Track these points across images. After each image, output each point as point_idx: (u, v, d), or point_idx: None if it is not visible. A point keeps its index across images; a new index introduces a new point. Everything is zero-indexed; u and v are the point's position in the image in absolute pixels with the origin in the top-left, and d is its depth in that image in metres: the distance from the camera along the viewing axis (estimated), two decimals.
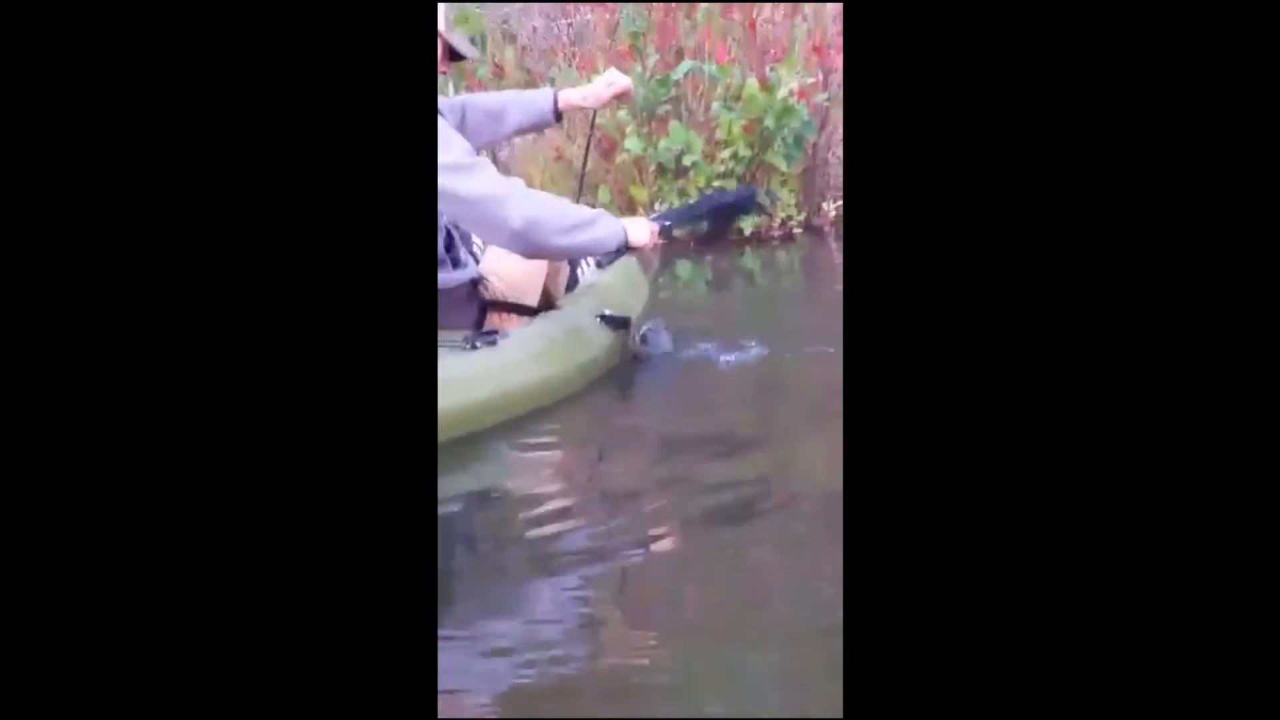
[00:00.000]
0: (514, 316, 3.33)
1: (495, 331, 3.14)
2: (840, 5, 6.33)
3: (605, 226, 3.12)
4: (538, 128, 3.80)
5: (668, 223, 3.39)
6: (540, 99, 3.64)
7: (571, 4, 6.95)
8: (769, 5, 6.36)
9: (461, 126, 3.44)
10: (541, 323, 3.25)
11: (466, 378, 2.89)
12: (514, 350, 3.07)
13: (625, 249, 3.19)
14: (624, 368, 3.42)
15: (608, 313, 3.43)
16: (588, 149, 4.16)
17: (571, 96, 3.64)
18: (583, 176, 4.22)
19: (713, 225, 3.73)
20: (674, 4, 6.24)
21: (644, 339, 3.50)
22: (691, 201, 3.45)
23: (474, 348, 3.00)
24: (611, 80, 3.63)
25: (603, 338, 3.35)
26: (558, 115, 3.64)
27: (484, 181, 2.93)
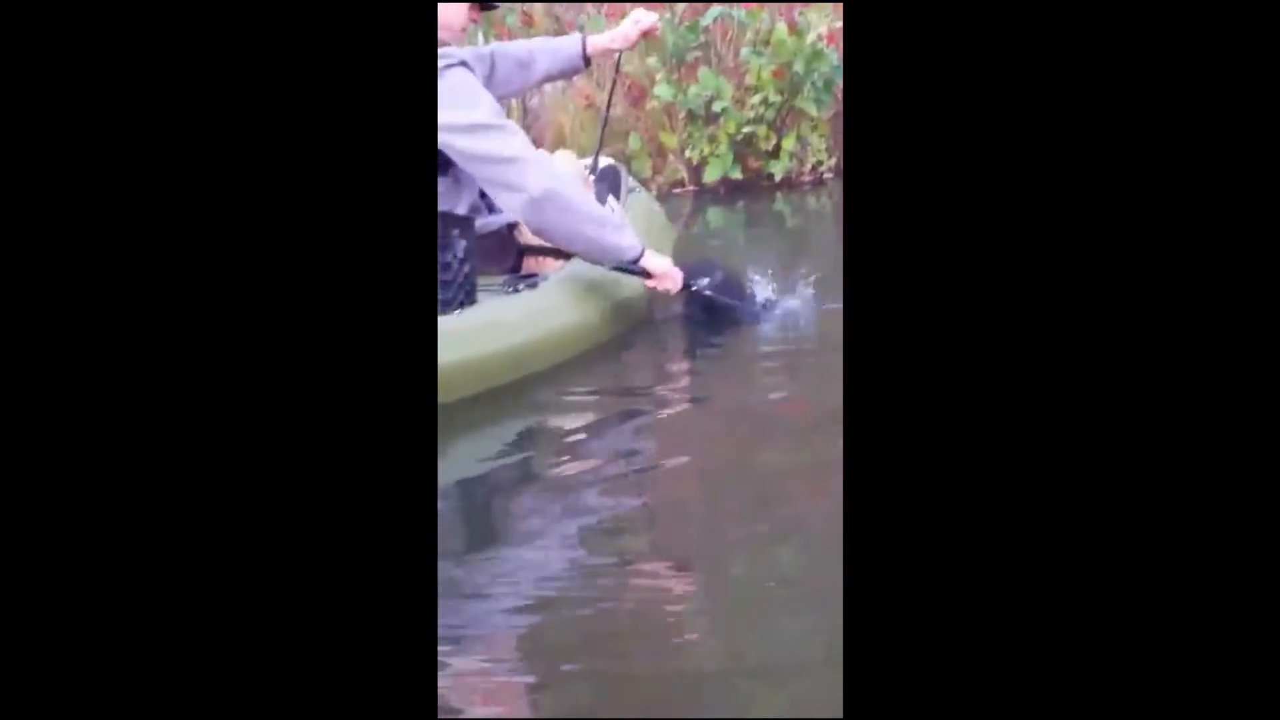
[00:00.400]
0: (549, 260, 3.36)
1: (535, 275, 3.18)
2: None
3: (624, 234, 3.13)
4: (567, 74, 3.81)
5: (694, 285, 3.30)
6: (568, 45, 3.64)
7: None
8: None
9: (490, 76, 3.46)
10: (578, 263, 3.26)
11: (510, 321, 2.94)
12: (554, 293, 3.11)
13: (637, 268, 3.15)
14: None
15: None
16: (611, 93, 4.14)
17: (599, 40, 3.65)
18: (605, 121, 4.20)
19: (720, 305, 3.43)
20: None
21: (720, 287, 3.36)
22: (725, 290, 3.33)
23: (516, 290, 3.06)
24: (638, 19, 3.63)
25: (635, 278, 3.36)
26: (586, 61, 3.65)
27: (511, 145, 2.95)
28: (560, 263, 3.33)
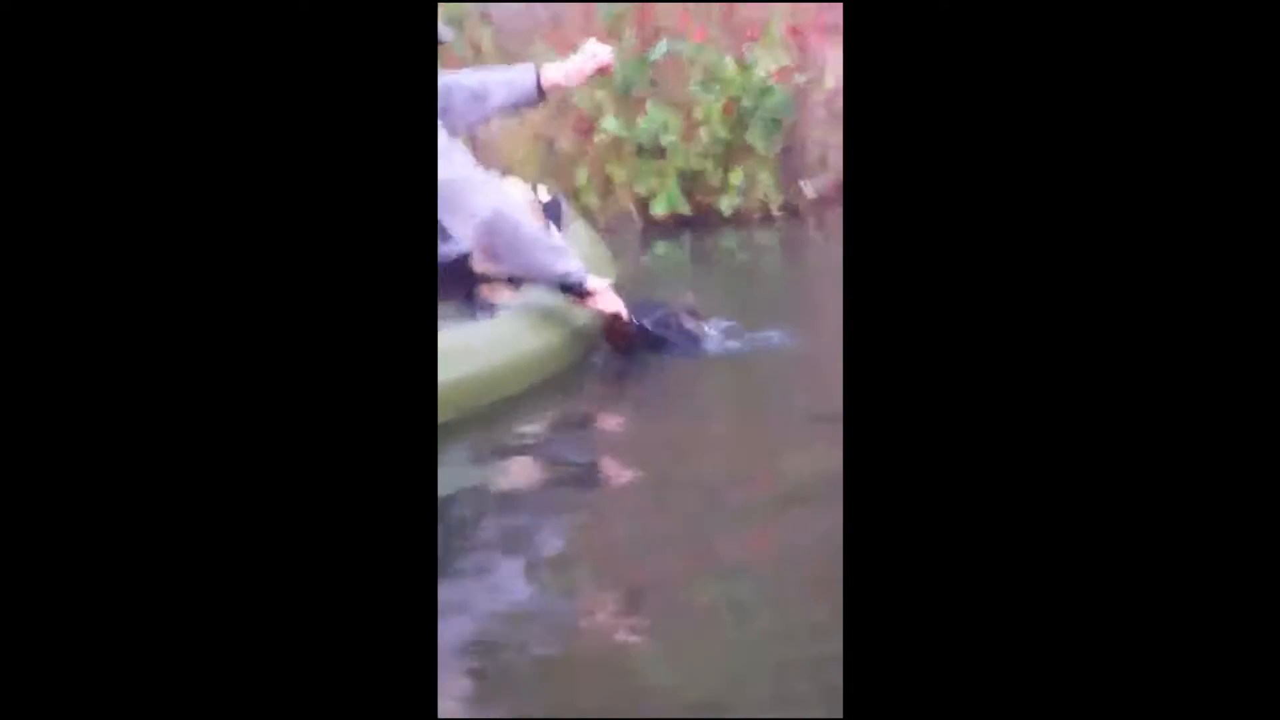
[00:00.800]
0: (501, 288, 3.36)
1: (492, 302, 3.22)
2: None
3: (572, 260, 3.17)
4: (520, 106, 3.79)
5: (639, 323, 3.31)
6: (522, 77, 3.61)
7: None
8: None
9: (447, 108, 3.44)
10: (531, 291, 3.29)
11: (477, 346, 2.99)
12: (515, 319, 3.17)
13: (582, 291, 3.17)
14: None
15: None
16: None
17: (554, 74, 3.62)
18: None
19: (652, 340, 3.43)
20: None
21: (667, 323, 3.36)
22: (660, 328, 3.36)
23: (475, 318, 3.12)
24: (594, 53, 3.61)
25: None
26: (540, 94, 3.63)
27: (458, 168, 2.95)
28: (511, 291, 3.32)
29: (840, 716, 1.29)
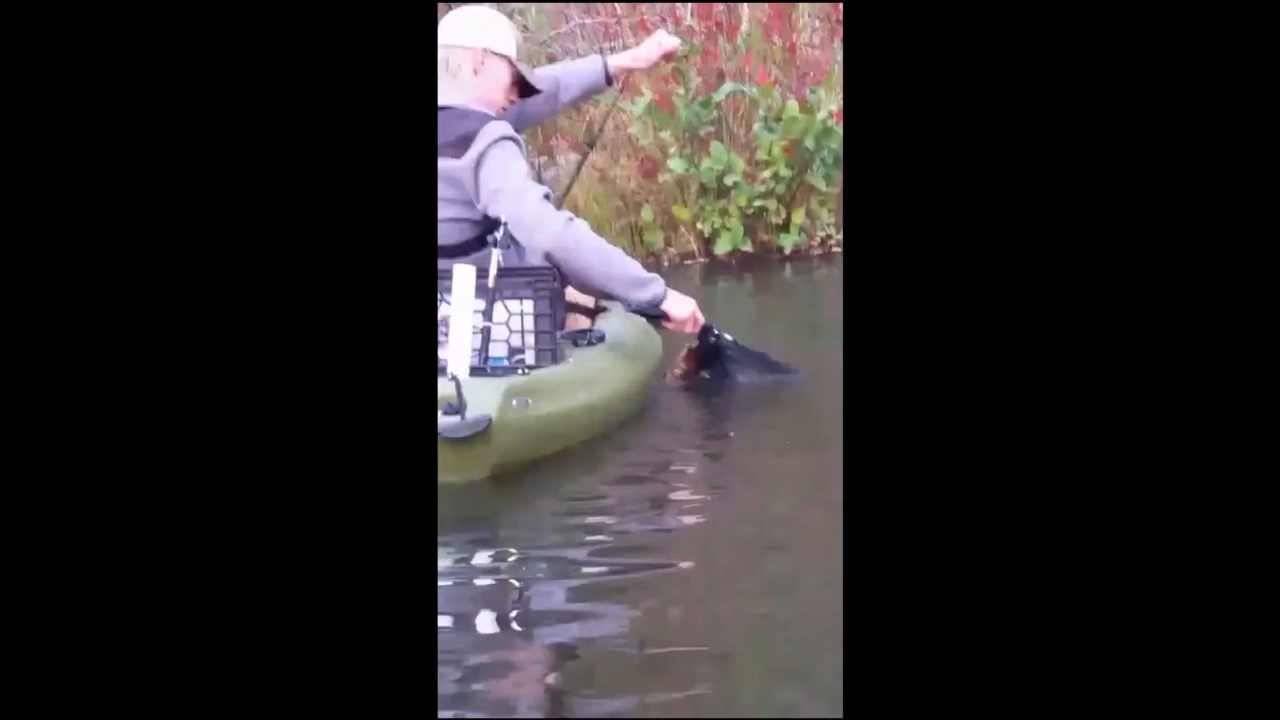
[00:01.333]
0: (579, 316, 3.42)
1: (593, 329, 3.24)
2: None
3: (644, 273, 3.18)
4: (591, 94, 3.91)
5: (715, 333, 3.38)
6: (590, 66, 3.75)
7: (615, 25, 7.10)
8: (808, 29, 6.48)
9: (521, 110, 3.50)
10: (616, 321, 3.33)
11: (599, 370, 3.02)
12: (620, 347, 3.19)
13: (658, 310, 3.19)
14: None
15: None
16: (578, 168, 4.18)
17: (622, 60, 3.76)
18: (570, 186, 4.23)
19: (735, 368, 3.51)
20: (715, 25, 6.36)
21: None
22: (745, 352, 3.47)
23: (590, 343, 3.11)
24: (660, 41, 3.73)
25: (656, 335, 3.45)
26: (609, 80, 3.75)
27: (533, 197, 3.03)
28: (585, 319, 3.39)
29: (840, 716, 1.31)
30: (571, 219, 3.10)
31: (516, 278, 2.91)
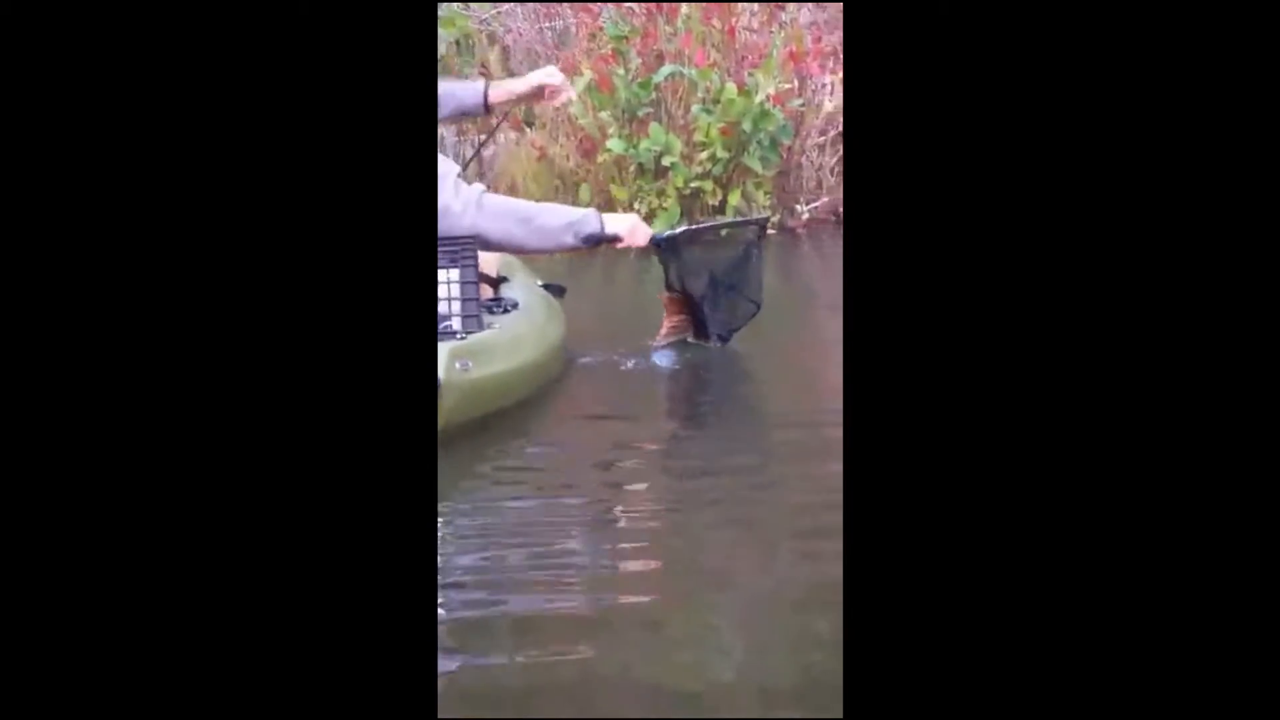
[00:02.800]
0: (484, 285, 3.45)
1: (505, 297, 3.34)
2: (815, 16, 6.54)
3: (573, 211, 3.25)
4: (465, 117, 4.02)
5: (665, 237, 3.45)
6: (470, 91, 3.76)
7: (555, 4, 7.12)
8: (746, 12, 6.55)
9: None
10: (519, 289, 3.46)
11: (523, 335, 3.13)
12: (531, 314, 3.31)
13: (605, 235, 3.27)
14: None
15: (548, 283, 3.72)
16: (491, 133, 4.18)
17: (501, 89, 3.78)
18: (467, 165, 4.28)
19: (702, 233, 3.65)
20: (655, 8, 6.41)
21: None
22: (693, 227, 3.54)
23: (505, 310, 3.24)
24: (544, 77, 3.75)
25: (556, 301, 3.62)
26: (487, 108, 3.76)
27: (443, 196, 3.09)
28: (489, 289, 3.46)
29: (840, 716, 1.31)
30: (483, 193, 3.17)
31: (440, 249, 2.97)
